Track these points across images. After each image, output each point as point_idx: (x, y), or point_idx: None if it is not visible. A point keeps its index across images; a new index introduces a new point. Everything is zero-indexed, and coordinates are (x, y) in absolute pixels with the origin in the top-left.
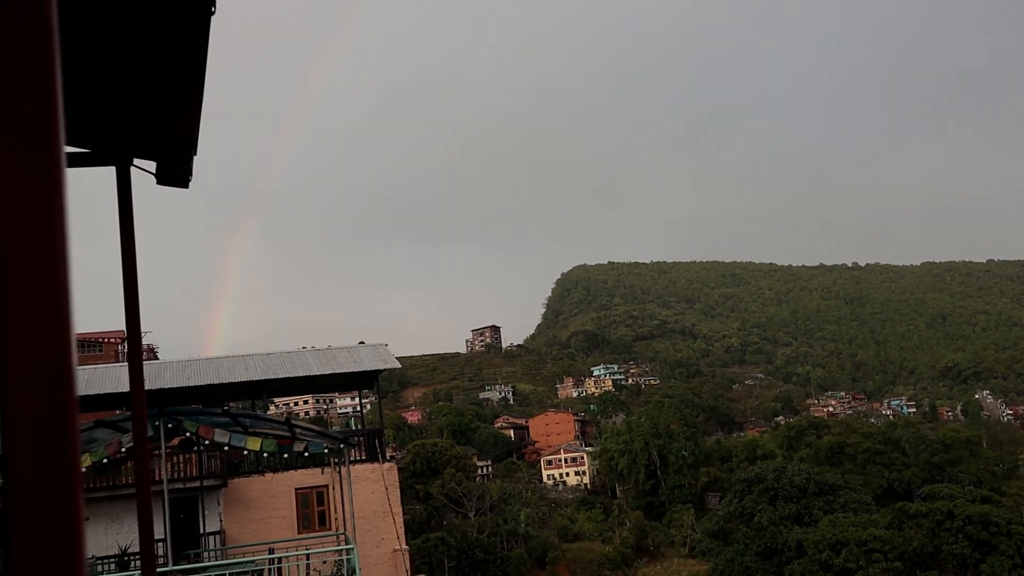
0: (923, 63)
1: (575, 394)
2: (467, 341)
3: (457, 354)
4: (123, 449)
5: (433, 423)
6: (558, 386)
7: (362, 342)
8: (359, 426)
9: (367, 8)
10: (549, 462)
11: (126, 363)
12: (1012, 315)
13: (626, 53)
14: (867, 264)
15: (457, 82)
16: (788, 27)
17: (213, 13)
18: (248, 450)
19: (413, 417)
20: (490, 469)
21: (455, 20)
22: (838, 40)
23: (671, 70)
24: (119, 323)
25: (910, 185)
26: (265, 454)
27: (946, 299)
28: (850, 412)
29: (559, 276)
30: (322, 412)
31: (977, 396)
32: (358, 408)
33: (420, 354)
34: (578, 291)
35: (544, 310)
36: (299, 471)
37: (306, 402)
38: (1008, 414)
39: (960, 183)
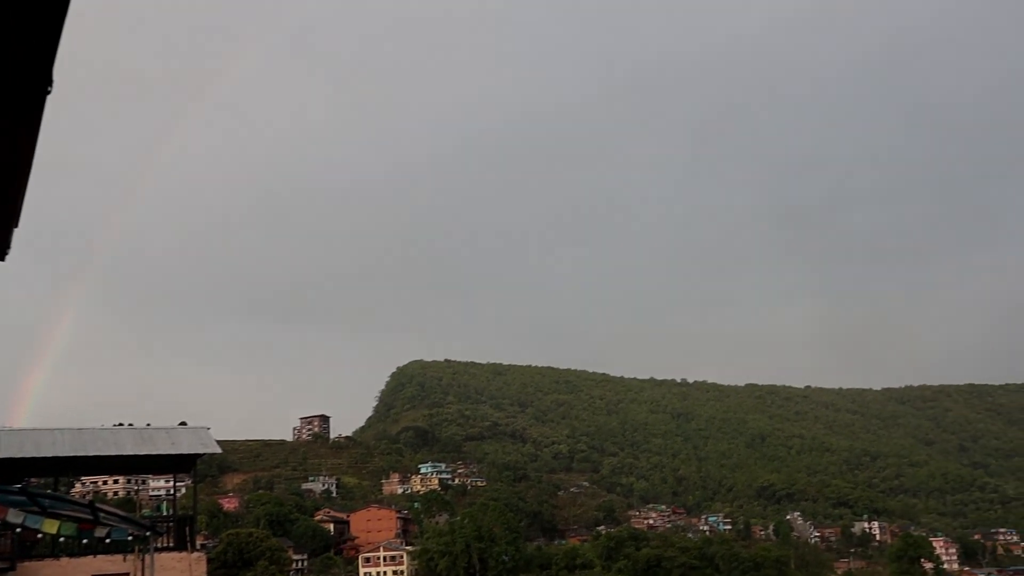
0: (760, 198)
1: (400, 491)
2: (295, 429)
3: (283, 441)
4: None
5: (251, 512)
6: (384, 481)
7: (183, 423)
8: (171, 511)
9: (219, 87)
10: (367, 559)
11: None
12: (825, 440)
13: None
14: (695, 381)
15: (307, 162)
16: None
17: (49, 92)
18: (44, 532)
19: (230, 504)
20: (306, 564)
21: (314, 102)
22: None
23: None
24: None
25: (738, 310)
26: (62, 538)
27: (766, 421)
28: (669, 525)
29: (395, 369)
30: (133, 494)
31: (789, 517)
32: (172, 491)
33: (244, 439)
34: (412, 386)
35: (376, 403)
36: (99, 557)
37: (116, 481)
38: (816, 536)
39: (783, 312)
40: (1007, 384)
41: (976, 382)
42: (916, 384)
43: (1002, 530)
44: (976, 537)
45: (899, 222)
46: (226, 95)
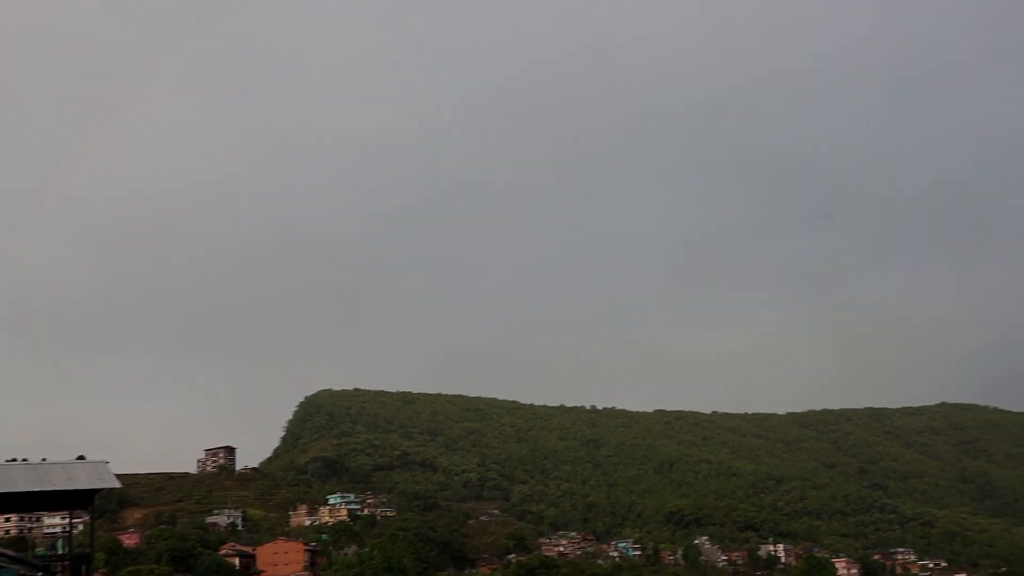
0: (669, 229)
1: (308, 522)
2: (199, 461)
3: (187, 474)
4: None
5: (152, 547)
6: (291, 513)
7: (81, 456)
8: (66, 549)
9: (115, 117)
10: None
11: None
12: (732, 465)
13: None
14: (604, 408)
15: (214, 189)
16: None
17: None
18: None
19: (131, 540)
20: None
21: (221, 127)
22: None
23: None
24: None
25: (647, 336)
26: None
27: (674, 446)
28: (580, 552)
29: (303, 399)
30: (25, 532)
31: (697, 541)
32: (68, 528)
33: (146, 472)
34: (321, 415)
35: (284, 433)
36: None
37: (8, 519)
38: (723, 560)
39: (690, 339)
40: (904, 407)
41: (875, 406)
42: (818, 408)
43: (900, 550)
44: (876, 557)
45: (795, 251)
46: (125, 119)
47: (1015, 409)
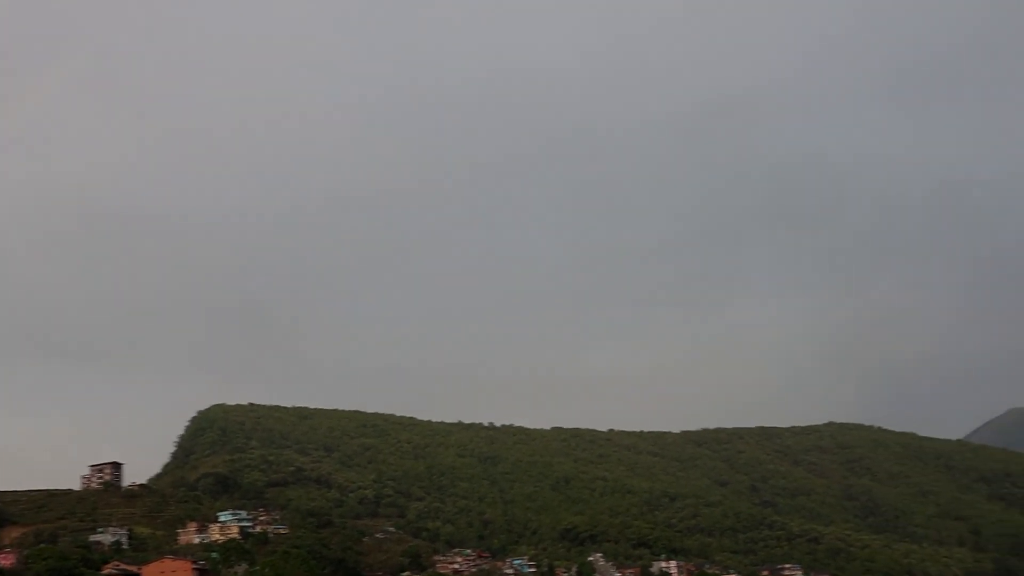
0: (569, 246)
1: (198, 540)
2: (83, 477)
3: (70, 491)
4: None
5: (30, 568)
6: (180, 531)
7: None
8: None
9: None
10: None
11: None
12: (627, 482)
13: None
14: (502, 425)
15: (103, 194)
16: None
17: None
18: None
19: (6, 561)
20: None
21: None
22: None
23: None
24: None
25: (546, 354)
26: None
27: (571, 464)
28: (475, 570)
29: (195, 414)
30: None
31: (591, 558)
32: None
33: (26, 489)
34: (213, 431)
35: (175, 448)
36: None
37: None
38: (618, 575)
39: (589, 356)
40: (793, 427)
41: (766, 425)
42: (712, 427)
43: (787, 565)
44: (765, 573)
45: (690, 272)
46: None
47: (897, 429)
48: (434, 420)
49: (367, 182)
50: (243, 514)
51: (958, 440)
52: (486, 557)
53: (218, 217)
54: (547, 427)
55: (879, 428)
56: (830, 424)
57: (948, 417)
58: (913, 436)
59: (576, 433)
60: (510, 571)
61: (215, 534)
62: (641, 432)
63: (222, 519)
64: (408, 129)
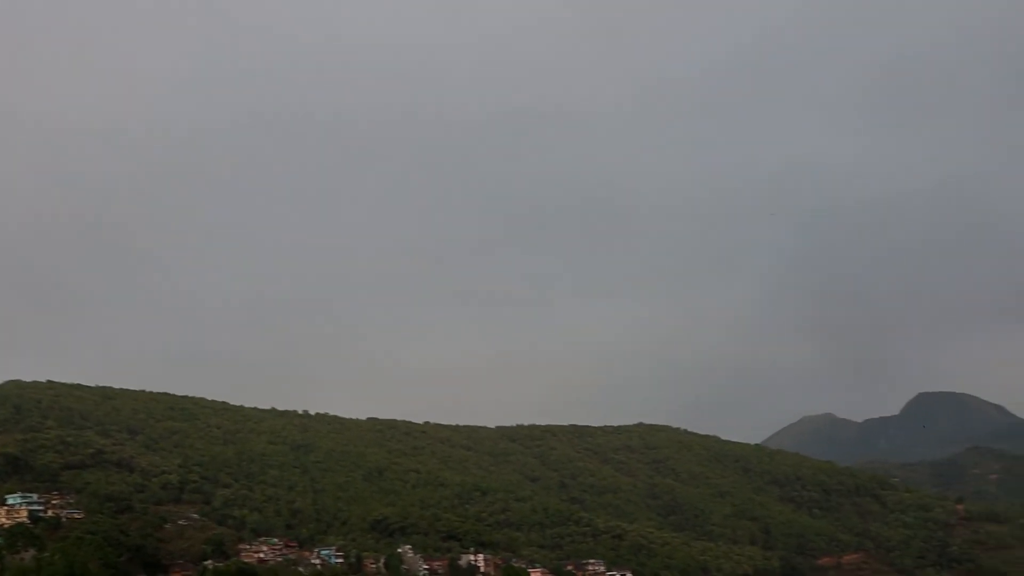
0: (397, 240)
1: None
2: None
3: None
4: None
5: None
6: None
7: None
8: None
9: None
10: None
11: None
12: (440, 475)
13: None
14: (317, 413)
15: None
16: None
17: None
18: None
19: None
20: None
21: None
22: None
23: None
24: None
25: (370, 345)
26: None
27: (385, 454)
28: (281, 559)
29: None
30: None
31: (400, 550)
32: None
33: None
34: (6, 408)
35: None
36: None
37: None
38: (425, 568)
39: (413, 350)
40: (604, 426)
41: (578, 423)
42: (526, 423)
43: (592, 561)
44: (569, 567)
45: (502, 270)
46: None
47: (701, 431)
48: (247, 405)
49: (188, 153)
50: (34, 497)
51: (756, 444)
52: (293, 547)
53: (23, 181)
54: (363, 417)
55: (684, 430)
56: (640, 425)
57: (749, 422)
58: (716, 439)
59: (392, 424)
60: (317, 561)
61: (2, 518)
62: (456, 426)
63: (10, 502)
64: (235, 108)
